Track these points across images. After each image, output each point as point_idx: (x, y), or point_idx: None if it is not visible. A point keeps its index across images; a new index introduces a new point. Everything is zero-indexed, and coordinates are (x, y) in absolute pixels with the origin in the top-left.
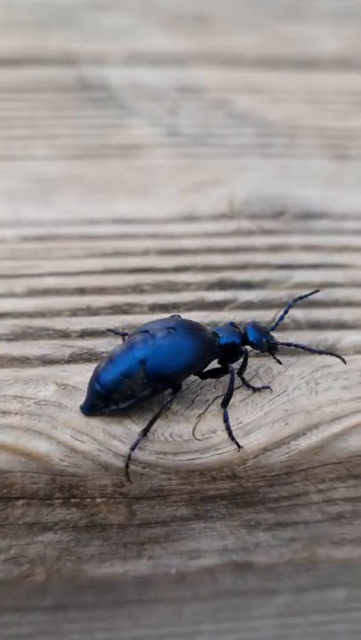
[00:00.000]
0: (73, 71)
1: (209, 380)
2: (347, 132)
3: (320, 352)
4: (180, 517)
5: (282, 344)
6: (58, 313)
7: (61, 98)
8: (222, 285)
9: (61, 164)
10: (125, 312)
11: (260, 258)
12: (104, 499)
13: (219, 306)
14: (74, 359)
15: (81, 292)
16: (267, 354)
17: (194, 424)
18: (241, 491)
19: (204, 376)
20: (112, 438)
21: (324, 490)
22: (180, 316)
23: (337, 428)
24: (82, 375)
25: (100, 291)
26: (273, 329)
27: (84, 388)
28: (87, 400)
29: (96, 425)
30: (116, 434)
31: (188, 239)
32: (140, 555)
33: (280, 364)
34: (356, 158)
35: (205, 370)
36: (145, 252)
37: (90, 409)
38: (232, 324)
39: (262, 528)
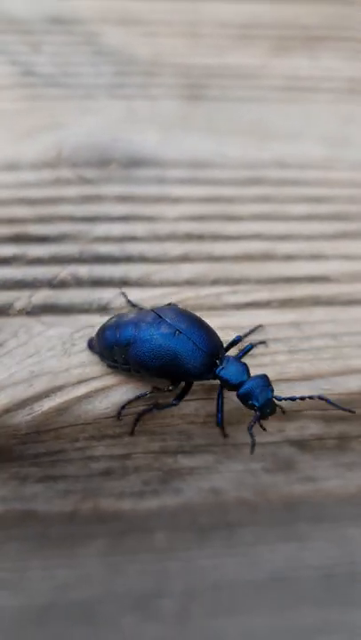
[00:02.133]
0: None
1: None
2: (213, 70)
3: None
4: None
5: (260, 425)
6: None
7: None
8: (17, 240)
9: None
10: None
11: (67, 210)
12: None
13: (6, 262)
14: None
15: None
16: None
17: None
18: None
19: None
20: None
21: (83, 448)
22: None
23: (82, 390)
24: None
25: None
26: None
27: None
28: (92, 337)
29: None
30: None
31: (2, 190)
32: None
33: (264, 429)
34: (210, 99)
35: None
36: None
37: (89, 345)
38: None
39: (33, 480)
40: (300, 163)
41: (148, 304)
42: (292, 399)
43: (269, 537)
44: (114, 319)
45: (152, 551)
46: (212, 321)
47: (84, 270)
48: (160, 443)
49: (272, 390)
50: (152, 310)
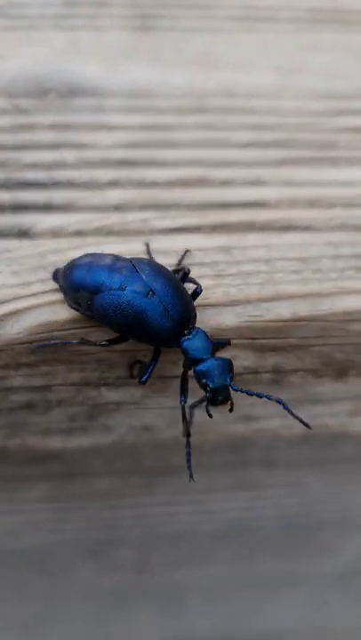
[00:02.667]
0: None
1: None
2: (166, 1)
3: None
4: None
5: (206, 411)
6: None
7: None
8: None
9: None
10: None
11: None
12: None
13: None
14: None
15: None
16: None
17: None
18: None
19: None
20: None
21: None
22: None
23: None
24: None
25: None
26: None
27: None
28: (59, 269)
29: None
30: None
31: None
32: None
33: (210, 417)
34: (161, 30)
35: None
36: None
37: (54, 276)
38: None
39: None
40: (249, 92)
41: (72, 229)
42: (249, 393)
43: (221, 483)
44: (86, 259)
45: (98, 497)
46: (137, 246)
47: (7, 196)
48: (79, 373)
49: (232, 378)
50: (130, 261)
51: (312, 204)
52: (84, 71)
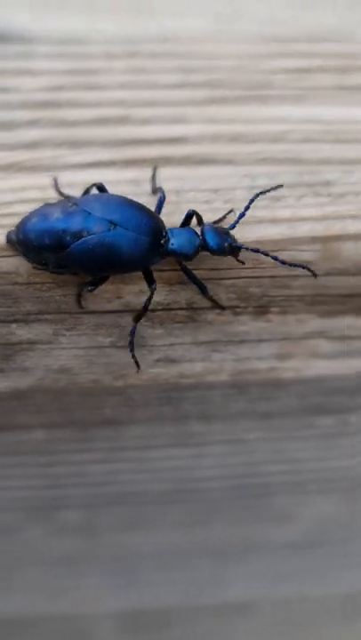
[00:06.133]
0: None
1: None
2: None
3: (291, 265)
4: None
5: (246, 248)
6: None
7: None
8: None
9: None
10: None
11: None
12: None
13: None
14: None
15: None
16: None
17: None
18: None
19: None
20: None
21: None
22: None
23: None
24: None
25: None
26: (233, 227)
27: None
28: (12, 231)
29: None
30: None
31: None
32: None
33: (243, 264)
34: None
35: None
36: None
37: (8, 239)
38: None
39: None
40: (182, 37)
41: None
42: (242, 216)
43: (160, 439)
44: (35, 219)
45: (36, 452)
46: (47, 181)
47: None
48: None
49: (226, 232)
50: (75, 204)
51: (235, 139)
52: (14, 18)
